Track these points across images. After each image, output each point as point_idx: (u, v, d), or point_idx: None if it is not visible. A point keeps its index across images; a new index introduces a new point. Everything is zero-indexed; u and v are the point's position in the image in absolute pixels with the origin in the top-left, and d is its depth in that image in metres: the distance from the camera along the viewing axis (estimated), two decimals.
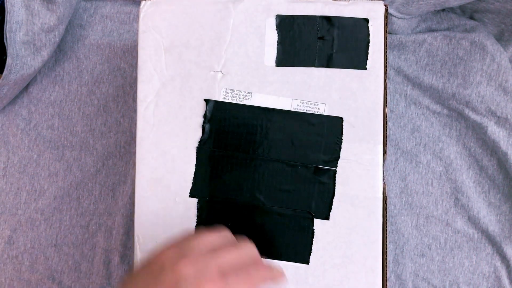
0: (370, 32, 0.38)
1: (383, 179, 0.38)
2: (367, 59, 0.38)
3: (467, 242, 0.49)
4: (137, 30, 0.40)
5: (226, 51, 0.39)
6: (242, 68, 0.39)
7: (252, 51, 0.39)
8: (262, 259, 0.33)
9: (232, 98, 0.39)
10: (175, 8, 0.39)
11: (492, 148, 0.49)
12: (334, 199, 0.38)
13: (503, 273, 0.48)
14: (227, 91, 0.39)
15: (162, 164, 0.39)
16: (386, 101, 0.38)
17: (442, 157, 0.50)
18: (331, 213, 0.38)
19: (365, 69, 0.38)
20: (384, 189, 0.38)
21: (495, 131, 0.48)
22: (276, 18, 0.39)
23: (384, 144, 0.38)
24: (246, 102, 0.39)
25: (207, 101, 0.39)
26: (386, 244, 0.37)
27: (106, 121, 0.54)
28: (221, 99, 0.39)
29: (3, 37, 0.46)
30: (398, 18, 0.51)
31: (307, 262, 0.38)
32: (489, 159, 0.49)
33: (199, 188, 0.39)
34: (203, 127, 0.39)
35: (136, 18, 0.55)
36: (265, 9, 0.39)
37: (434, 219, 0.49)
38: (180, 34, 0.39)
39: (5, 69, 0.48)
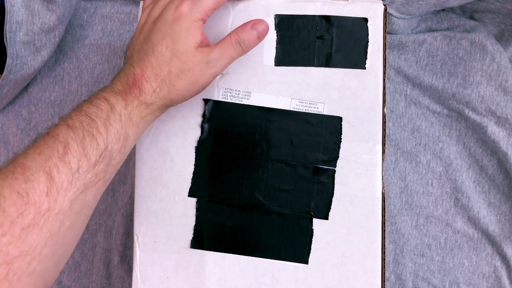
0: (369, 32, 0.38)
1: (382, 179, 0.38)
2: (366, 58, 0.38)
3: (467, 242, 0.49)
4: None
5: None
6: (241, 67, 0.39)
7: (251, 51, 0.38)
8: None
9: (231, 97, 0.39)
10: None
11: (492, 148, 0.49)
12: (333, 199, 0.38)
13: (503, 273, 0.48)
14: (226, 90, 0.39)
15: (161, 164, 0.39)
16: (385, 100, 0.38)
17: (442, 157, 0.50)
18: (330, 213, 0.38)
19: (364, 68, 0.38)
20: (383, 188, 0.37)
21: (495, 131, 0.48)
22: (275, 18, 0.39)
23: (383, 144, 0.38)
24: (245, 101, 0.39)
25: (206, 100, 0.39)
26: (385, 244, 0.37)
27: None
28: (220, 99, 0.39)
29: (3, 37, 0.46)
30: (398, 18, 0.50)
31: (306, 262, 0.38)
32: (489, 159, 0.49)
33: (198, 187, 0.38)
34: (202, 127, 0.39)
35: (136, 18, 0.55)
36: (265, 8, 0.39)
37: (434, 219, 0.49)
38: None
39: (5, 69, 0.48)
